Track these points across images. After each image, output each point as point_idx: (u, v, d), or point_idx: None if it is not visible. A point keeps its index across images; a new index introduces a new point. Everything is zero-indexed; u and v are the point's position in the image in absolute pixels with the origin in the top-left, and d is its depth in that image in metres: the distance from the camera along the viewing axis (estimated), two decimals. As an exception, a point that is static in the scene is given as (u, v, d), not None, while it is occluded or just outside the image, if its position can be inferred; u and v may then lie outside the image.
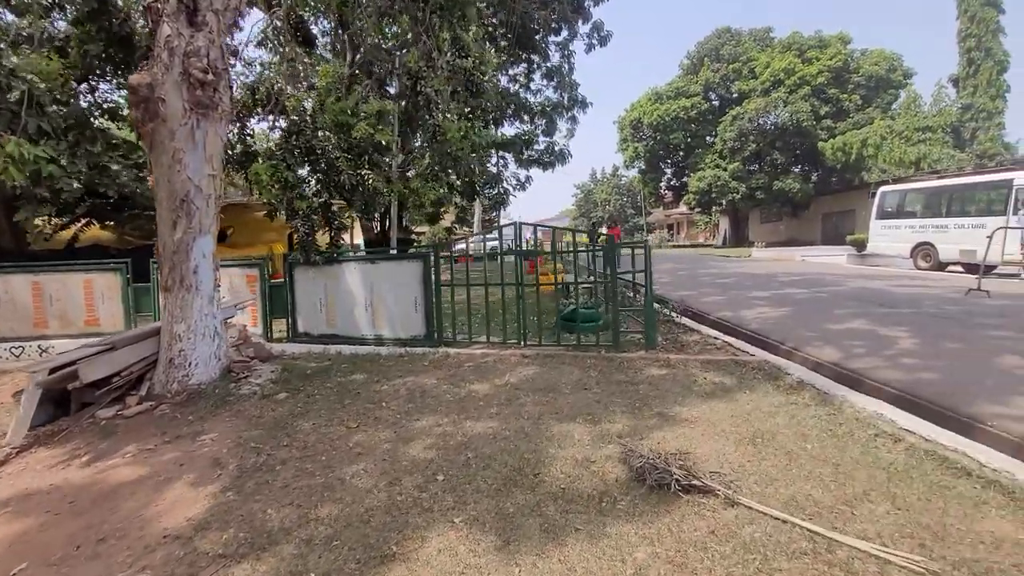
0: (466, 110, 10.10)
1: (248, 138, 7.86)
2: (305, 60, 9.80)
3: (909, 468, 2.78)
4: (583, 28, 18.52)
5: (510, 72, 19.82)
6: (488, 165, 17.49)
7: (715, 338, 5.97)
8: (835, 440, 3.19)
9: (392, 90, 8.84)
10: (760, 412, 3.72)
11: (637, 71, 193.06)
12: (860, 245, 17.51)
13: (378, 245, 16.74)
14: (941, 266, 13.49)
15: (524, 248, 6.65)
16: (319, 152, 6.89)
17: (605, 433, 3.48)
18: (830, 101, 30.33)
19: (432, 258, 6.19)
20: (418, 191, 10.20)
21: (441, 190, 9.92)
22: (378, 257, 6.76)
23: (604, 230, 20.25)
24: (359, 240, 19.98)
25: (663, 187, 45.55)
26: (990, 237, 8.89)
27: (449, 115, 8.57)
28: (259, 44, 10.87)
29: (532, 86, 19.81)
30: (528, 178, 19.81)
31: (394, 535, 2.41)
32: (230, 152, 8.36)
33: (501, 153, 19.29)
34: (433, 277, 6.19)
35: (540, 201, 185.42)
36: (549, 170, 19.38)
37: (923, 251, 13.95)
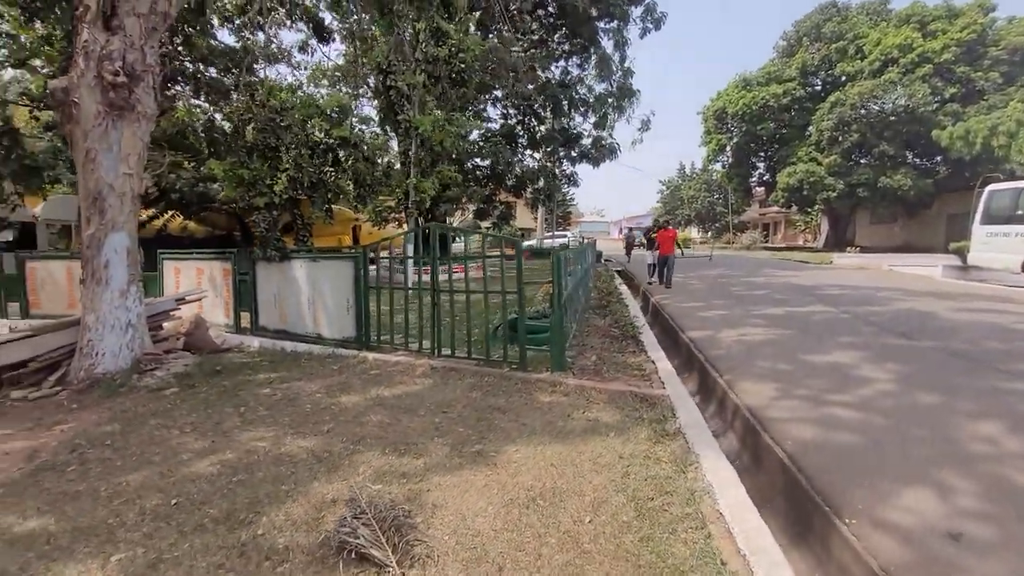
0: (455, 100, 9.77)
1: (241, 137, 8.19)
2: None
3: (670, 569, 2.09)
4: (636, 11, 17.39)
5: (562, 64, 19.16)
6: (526, 160, 16.99)
7: (652, 362, 5.17)
8: (635, 516, 2.53)
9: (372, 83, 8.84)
10: (593, 464, 3.09)
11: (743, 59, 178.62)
12: (964, 254, 14.59)
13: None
14: (1063, 285, 10.74)
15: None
16: (282, 149, 7.00)
17: (392, 469, 3.09)
18: (958, 81, 25.62)
19: (362, 259, 6.03)
20: (418, 186, 10.12)
21: (437, 184, 9.74)
22: (320, 256, 6.74)
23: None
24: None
25: (754, 183, 41.59)
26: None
27: (431, 107, 8.33)
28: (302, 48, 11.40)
29: (585, 77, 19.00)
30: (574, 174, 19.01)
31: (39, 564, 2.27)
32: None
33: (548, 147, 18.73)
34: (363, 278, 6.03)
35: (632, 198, 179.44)
36: (597, 166, 18.48)
37: (1039, 265, 11.20)
